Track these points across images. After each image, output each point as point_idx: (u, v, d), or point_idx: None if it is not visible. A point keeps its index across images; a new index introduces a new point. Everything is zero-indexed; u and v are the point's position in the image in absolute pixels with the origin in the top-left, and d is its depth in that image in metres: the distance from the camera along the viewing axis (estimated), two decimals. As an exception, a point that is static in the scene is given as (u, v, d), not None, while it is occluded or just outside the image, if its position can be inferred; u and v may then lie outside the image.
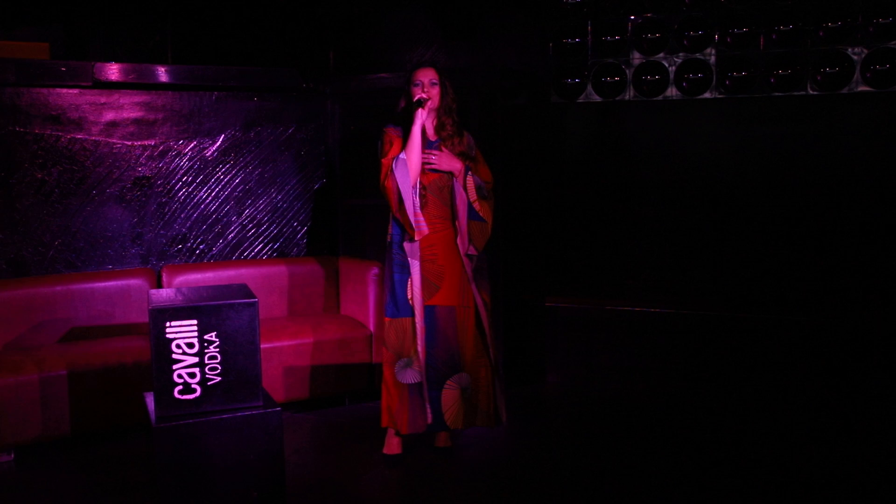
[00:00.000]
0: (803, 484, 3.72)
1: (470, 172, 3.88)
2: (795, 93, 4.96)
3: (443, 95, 3.85)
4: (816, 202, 5.06)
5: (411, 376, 3.86)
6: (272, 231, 5.36)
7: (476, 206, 3.88)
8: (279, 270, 5.10)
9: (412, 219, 3.76)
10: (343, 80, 5.43)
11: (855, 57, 4.81)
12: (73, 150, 4.77)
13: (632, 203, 5.51)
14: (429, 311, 3.85)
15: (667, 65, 5.25)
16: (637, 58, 5.34)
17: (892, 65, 4.69)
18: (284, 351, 4.58)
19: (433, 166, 3.81)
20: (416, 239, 3.80)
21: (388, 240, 3.91)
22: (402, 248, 3.85)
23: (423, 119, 3.78)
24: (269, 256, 5.36)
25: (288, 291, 5.09)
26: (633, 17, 5.29)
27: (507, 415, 4.08)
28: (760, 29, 5.01)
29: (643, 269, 5.53)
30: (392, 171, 3.74)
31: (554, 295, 5.28)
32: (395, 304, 3.87)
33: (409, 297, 3.85)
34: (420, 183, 3.80)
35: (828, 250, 5.04)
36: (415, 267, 3.83)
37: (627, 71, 5.34)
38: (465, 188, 3.86)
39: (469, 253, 3.90)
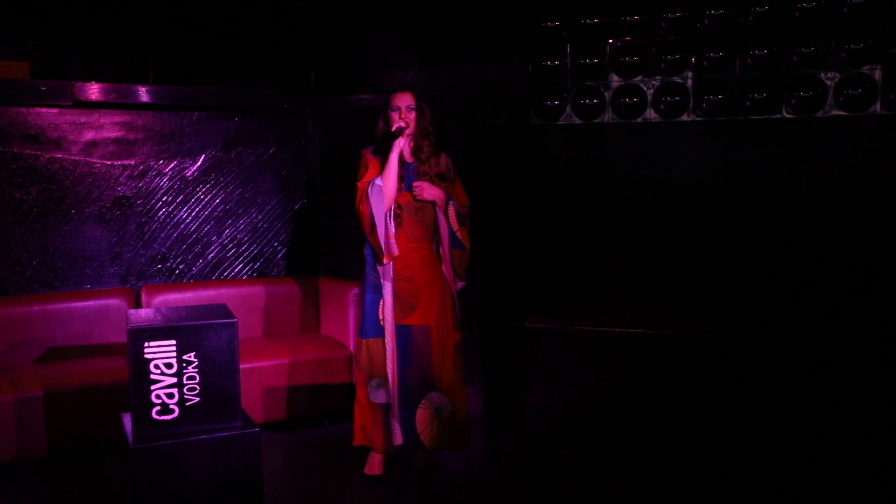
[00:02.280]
0: (783, 501, 3.75)
1: (451, 201, 3.91)
2: (771, 116, 5.03)
3: (419, 119, 3.87)
4: (792, 223, 5.13)
5: (383, 396, 3.86)
6: (252, 251, 5.36)
7: (458, 234, 3.94)
8: (259, 290, 5.09)
9: (382, 242, 3.78)
10: (324, 100, 5.46)
11: (828, 82, 4.90)
12: (53, 170, 4.76)
13: (611, 224, 5.56)
14: (405, 330, 3.85)
15: (645, 87, 5.32)
16: (615, 80, 5.41)
17: (863, 89, 4.78)
18: (264, 371, 4.56)
19: (421, 197, 3.82)
20: (385, 262, 3.81)
21: (364, 260, 3.93)
22: (375, 270, 3.87)
23: (400, 147, 3.81)
24: (250, 276, 5.35)
25: (268, 311, 5.07)
26: (611, 41, 5.36)
27: (480, 433, 4.09)
28: (736, 53, 5.09)
29: (622, 290, 5.57)
30: (367, 195, 3.76)
31: (533, 315, 5.30)
32: (367, 324, 3.88)
33: (381, 317, 3.85)
34: (396, 202, 3.82)
35: (804, 270, 5.10)
36: (387, 288, 3.84)
37: (606, 93, 5.40)
38: (447, 216, 3.90)
39: (450, 278, 3.97)
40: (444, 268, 3.94)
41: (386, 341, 3.84)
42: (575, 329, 5.15)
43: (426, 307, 3.86)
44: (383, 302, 3.85)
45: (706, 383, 4.85)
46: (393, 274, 3.83)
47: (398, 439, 3.87)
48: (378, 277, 3.86)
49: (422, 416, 3.87)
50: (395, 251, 3.81)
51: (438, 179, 3.88)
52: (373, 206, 3.75)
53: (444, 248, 3.93)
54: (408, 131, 3.84)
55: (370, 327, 3.87)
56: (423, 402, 3.87)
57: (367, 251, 3.91)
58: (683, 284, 5.40)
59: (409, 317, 3.85)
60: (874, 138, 4.93)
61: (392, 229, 3.80)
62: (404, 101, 3.85)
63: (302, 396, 4.67)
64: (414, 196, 3.83)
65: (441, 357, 3.89)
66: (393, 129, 3.78)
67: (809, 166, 5.08)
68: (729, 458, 4.27)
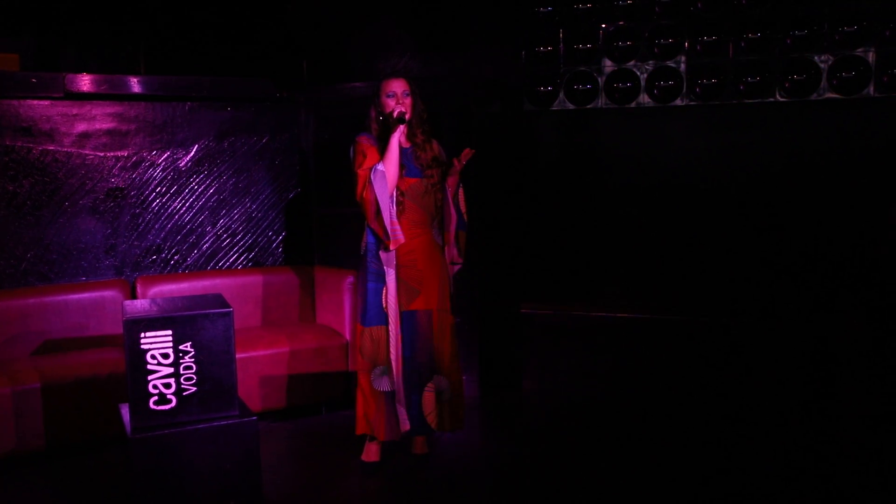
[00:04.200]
0: (779, 488, 3.77)
1: (461, 186, 3.96)
2: (765, 100, 5.04)
3: (415, 104, 3.88)
4: (786, 206, 5.14)
5: (387, 384, 3.87)
6: (247, 241, 5.35)
7: (465, 217, 4.00)
8: (254, 280, 5.09)
9: (389, 228, 3.79)
10: (317, 89, 5.44)
11: (822, 64, 4.90)
12: (45, 162, 4.74)
13: (606, 210, 5.56)
14: (410, 315, 3.87)
15: (638, 72, 5.31)
16: (609, 65, 5.40)
17: (857, 72, 4.78)
18: (260, 360, 4.57)
19: (461, 163, 3.84)
20: (391, 248, 3.82)
21: (363, 249, 3.93)
22: (377, 257, 3.87)
23: (402, 131, 3.81)
24: (245, 266, 5.35)
25: (263, 301, 5.08)
26: (604, 26, 5.35)
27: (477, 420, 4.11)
28: (729, 37, 5.08)
29: (618, 275, 5.58)
30: (370, 181, 3.75)
31: (529, 302, 5.31)
32: (369, 312, 3.88)
33: (385, 305, 3.86)
34: (398, 189, 3.83)
35: (798, 253, 5.12)
36: (390, 275, 3.85)
37: (599, 79, 5.39)
38: (456, 198, 3.94)
39: (456, 262, 4.03)
40: (447, 251, 3.98)
41: (390, 328, 3.86)
42: (570, 315, 5.16)
43: (428, 292, 3.88)
44: (386, 289, 3.86)
45: (702, 368, 4.87)
46: (396, 260, 3.85)
47: (405, 425, 3.89)
48: (380, 265, 3.87)
49: (428, 399, 3.90)
50: (402, 238, 3.82)
51: (435, 164, 3.90)
52: (377, 191, 3.75)
53: (451, 231, 3.98)
54: (407, 116, 3.84)
55: (374, 315, 3.88)
56: (428, 385, 3.89)
57: (368, 238, 3.90)
58: (679, 269, 5.41)
59: (414, 302, 3.86)
60: (868, 121, 4.93)
61: (395, 215, 3.81)
62: (399, 86, 3.85)
63: (299, 385, 4.68)
64: (460, 161, 3.83)
65: (441, 340, 3.91)
66: (395, 114, 3.78)
67: (803, 149, 5.09)
68: (724, 444, 4.30)
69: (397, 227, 3.82)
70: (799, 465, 3.97)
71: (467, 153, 3.83)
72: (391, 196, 3.79)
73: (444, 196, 3.94)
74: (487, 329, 5.17)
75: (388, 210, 3.78)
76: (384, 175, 3.75)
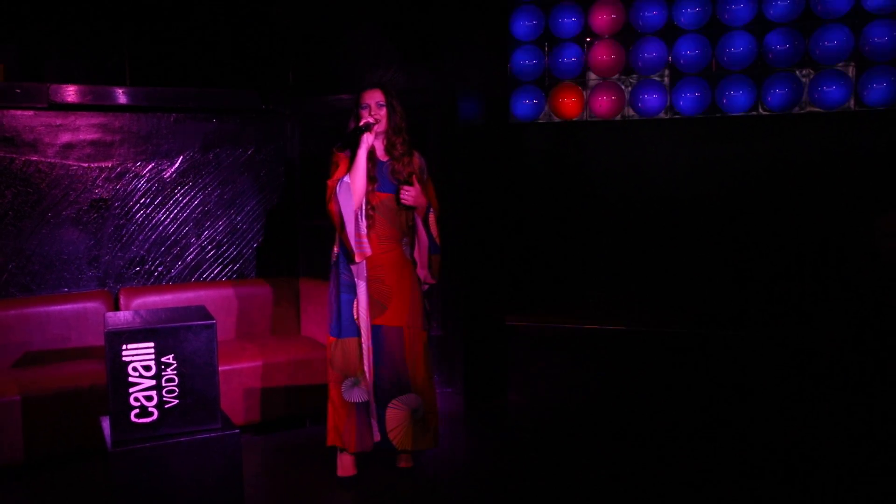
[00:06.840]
0: (767, 501, 3.78)
1: (432, 209, 3.91)
2: (747, 113, 5.07)
3: (391, 116, 3.85)
4: (770, 219, 5.17)
5: (358, 395, 3.85)
6: (232, 253, 5.34)
7: (437, 241, 3.94)
8: (239, 292, 5.07)
9: (353, 241, 3.75)
10: (302, 101, 5.44)
11: (804, 79, 4.94)
12: (28, 173, 4.72)
13: (591, 222, 5.58)
14: (375, 330, 3.84)
15: (622, 86, 5.34)
16: (593, 78, 5.43)
17: (837, 86, 4.82)
18: (244, 373, 4.54)
19: (406, 202, 3.81)
20: (356, 261, 3.79)
21: (334, 258, 3.90)
22: (348, 268, 3.85)
23: (369, 143, 3.78)
24: (229, 278, 5.33)
25: (248, 313, 5.06)
26: (588, 39, 5.38)
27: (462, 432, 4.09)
28: (713, 51, 5.11)
29: (603, 287, 5.59)
30: (336, 193, 3.74)
31: (514, 314, 5.31)
32: (340, 323, 3.86)
33: (356, 316, 3.84)
34: (368, 202, 3.80)
35: (784, 266, 5.14)
36: (361, 287, 3.83)
37: (584, 91, 5.42)
38: (426, 223, 3.89)
39: (428, 282, 3.99)
40: (418, 271, 3.94)
41: (363, 340, 3.84)
42: (556, 327, 5.16)
43: (396, 308, 3.85)
44: (357, 301, 3.84)
45: (689, 380, 4.88)
46: (366, 273, 3.83)
47: (376, 436, 3.86)
48: (352, 276, 3.84)
49: (392, 416, 3.87)
50: (368, 251, 3.79)
51: (410, 180, 3.86)
52: (341, 204, 3.72)
53: (423, 253, 3.93)
54: (379, 128, 3.81)
55: (345, 326, 3.85)
56: (393, 401, 3.86)
57: (340, 248, 3.88)
58: (665, 281, 5.43)
59: (379, 317, 3.84)
60: (849, 134, 4.98)
61: (364, 228, 3.78)
62: (373, 97, 3.83)
63: (282, 398, 4.66)
64: (399, 201, 3.82)
65: (413, 357, 3.88)
66: (360, 123, 3.76)
67: (786, 162, 5.13)
68: (712, 456, 4.30)
69: (364, 240, 3.77)
70: (787, 478, 3.98)
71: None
72: (359, 209, 3.76)
73: (410, 215, 3.90)
74: (472, 341, 5.17)
75: (353, 223, 3.74)
76: (349, 188, 3.72)
